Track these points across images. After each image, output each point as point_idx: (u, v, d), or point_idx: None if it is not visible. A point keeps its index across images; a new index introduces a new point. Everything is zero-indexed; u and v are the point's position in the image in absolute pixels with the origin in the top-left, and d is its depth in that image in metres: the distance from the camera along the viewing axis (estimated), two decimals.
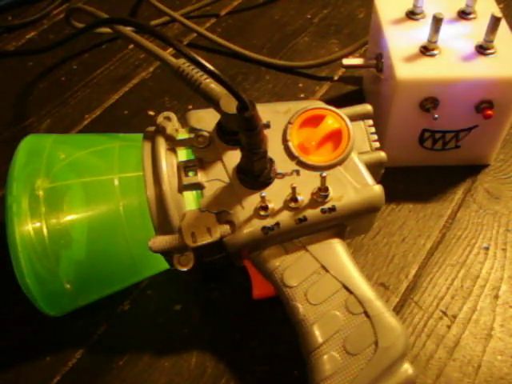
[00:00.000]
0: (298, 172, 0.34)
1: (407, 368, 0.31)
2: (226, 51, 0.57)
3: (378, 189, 0.34)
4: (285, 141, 0.35)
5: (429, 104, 0.40)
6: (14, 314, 0.39)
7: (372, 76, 0.48)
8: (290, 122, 0.35)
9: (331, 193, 0.33)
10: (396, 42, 0.42)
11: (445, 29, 0.40)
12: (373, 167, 0.35)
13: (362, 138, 0.36)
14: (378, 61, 0.45)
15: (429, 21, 0.40)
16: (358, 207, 0.33)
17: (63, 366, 0.37)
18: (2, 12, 0.62)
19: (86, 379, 0.36)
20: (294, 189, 0.32)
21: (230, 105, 0.32)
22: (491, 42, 0.40)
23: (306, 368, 0.32)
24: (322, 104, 0.36)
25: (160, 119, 0.35)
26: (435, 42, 0.40)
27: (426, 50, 0.41)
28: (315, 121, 0.36)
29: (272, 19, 0.61)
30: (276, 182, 0.34)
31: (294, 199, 0.33)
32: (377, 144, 0.36)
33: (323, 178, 0.32)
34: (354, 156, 0.35)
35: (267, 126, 0.35)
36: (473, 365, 0.36)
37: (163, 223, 0.33)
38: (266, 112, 0.35)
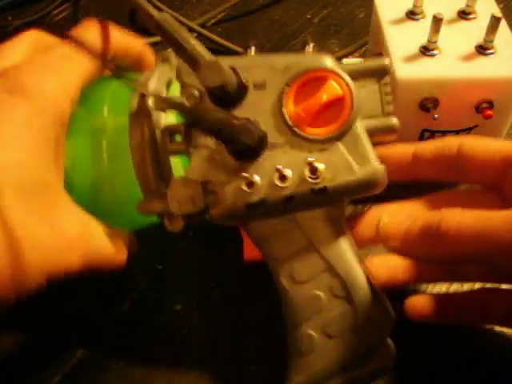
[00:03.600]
0: (291, 144, 0.30)
1: (386, 355, 0.31)
2: (226, 51, 0.57)
3: (379, 169, 0.30)
4: (280, 106, 0.31)
5: (429, 104, 0.40)
6: (14, 313, 0.39)
7: None
8: (287, 84, 0.31)
9: (324, 172, 0.30)
10: (396, 42, 0.42)
11: (445, 29, 0.40)
12: (381, 134, 0.32)
13: (373, 99, 0.31)
14: None
15: (429, 21, 0.40)
16: (353, 189, 0.30)
17: (63, 366, 0.37)
18: (2, 12, 0.62)
19: (86, 379, 0.36)
20: (281, 165, 0.30)
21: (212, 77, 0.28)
22: (491, 41, 0.40)
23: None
24: (327, 61, 0.31)
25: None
26: (435, 42, 0.40)
27: (426, 50, 0.41)
28: (316, 84, 0.31)
29: (272, 19, 0.61)
30: (266, 155, 0.30)
31: (281, 176, 0.30)
32: (390, 107, 0.32)
33: (317, 155, 0.30)
34: (358, 127, 0.30)
35: (262, 85, 0.31)
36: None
37: (148, 188, 0.32)
38: (261, 68, 0.31)
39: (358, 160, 0.30)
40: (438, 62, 0.40)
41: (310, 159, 0.30)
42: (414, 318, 0.34)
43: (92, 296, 0.39)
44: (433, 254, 0.29)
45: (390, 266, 0.35)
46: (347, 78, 0.30)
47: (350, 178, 0.30)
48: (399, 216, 0.31)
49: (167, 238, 0.42)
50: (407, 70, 0.40)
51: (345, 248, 0.31)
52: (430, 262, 0.34)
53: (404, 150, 0.35)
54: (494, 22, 0.39)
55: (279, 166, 0.30)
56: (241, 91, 0.30)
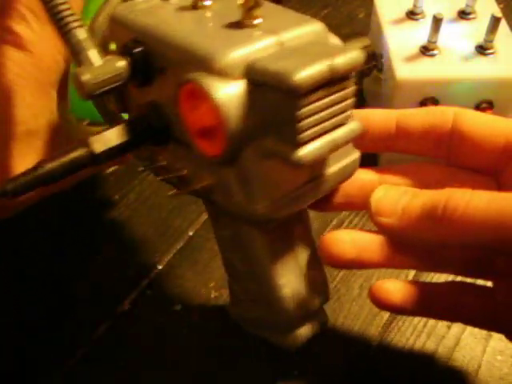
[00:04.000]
0: (187, 146, 0.26)
1: (293, 340, 0.32)
2: None
3: (258, 215, 0.26)
4: (177, 104, 0.25)
5: (429, 104, 0.41)
6: (13, 313, 0.39)
7: (372, 76, 0.48)
8: (180, 85, 0.24)
9: (213, 188, 0.27)
10: (396, 42, 0.42)
11: (445, 29, 0.40)
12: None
13: (282, 119, 0.23)
14: (378, 61, 0.45)
15: (429, 21, 0.40)
16: (239, 218, 0.28)
17: (63, 366, 0.37)
18: None
19: (86, 379, 0.36)
20: (180, 164, 0.28)
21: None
22: (491, 41, 0.40)
23: (305, 367, 0.32)
24: (212, 71, 0.23)
25: None
26: (435, 42, 0.41)
27: (425, 50, 0.41)
28: (200, 98, 0.24)
29: None
30: (172, 146, 0.28)
31: (180, 176, 0.28)
32: (298, 137, 0.23)
33: (209, 169, 0.26)
34: (250, 157, 0.24)
35: (163, 71, 0.26)
36: (473, 365, 0.36)
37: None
38: (164, 52, 0.25)
39: (244, 195, 0.26)
40: (438, 61, 0.41)
41: (200, 170, 0.27)
42: (379, 306, 0.30)
43: (92, 296, 0.39)
44: (432, 237, 0.26)
45: (358, 243, 0.29)
46: (221, 108, 0.23)
47: (233, 208, 0.27)
48: (395, 191, 0.27)
49: (167, 237, 0.43)
50: (407, 70, 0.40)
51: (260, 246, 0.29)
52: (423, 246, 0.30)
53: (386, 118, 0.30)
54: (494, 22, 0.39)
55: (177, 165, 0.28)
56: (144, 76, 0.26)
